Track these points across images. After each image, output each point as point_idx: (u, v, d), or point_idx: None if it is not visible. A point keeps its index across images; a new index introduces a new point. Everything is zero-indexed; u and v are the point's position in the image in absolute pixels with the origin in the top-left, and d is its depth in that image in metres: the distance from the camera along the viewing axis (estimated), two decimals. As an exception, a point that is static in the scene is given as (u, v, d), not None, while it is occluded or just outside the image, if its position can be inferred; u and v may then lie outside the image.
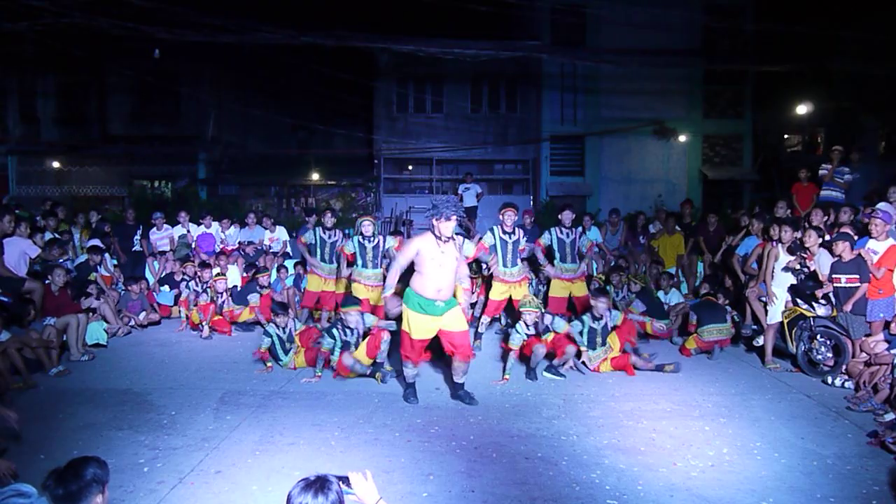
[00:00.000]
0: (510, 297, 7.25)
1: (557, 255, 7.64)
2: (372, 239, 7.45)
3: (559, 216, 7.75)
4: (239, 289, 9.04)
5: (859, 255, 6.18)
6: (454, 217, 5.07)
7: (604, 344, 6.61)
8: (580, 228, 7.99)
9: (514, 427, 4.91)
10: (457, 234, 5.37)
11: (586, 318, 6.61)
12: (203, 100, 17.57)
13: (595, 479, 4.02)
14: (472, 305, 7.76)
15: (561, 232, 7.62)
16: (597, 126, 16.95)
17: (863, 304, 6.15)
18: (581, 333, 6.47)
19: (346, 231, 9.13)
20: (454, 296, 5.37)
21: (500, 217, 7.14)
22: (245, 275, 9.57)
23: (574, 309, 7.81)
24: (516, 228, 7.21)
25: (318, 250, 8.00)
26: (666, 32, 14.39)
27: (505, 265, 7.14)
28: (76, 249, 9.76)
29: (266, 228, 10.61)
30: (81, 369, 6.68)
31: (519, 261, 7.27)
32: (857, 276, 6.12)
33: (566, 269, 7.59)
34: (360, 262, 7.42)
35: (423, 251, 5.17)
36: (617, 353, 6.57)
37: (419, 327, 5.29)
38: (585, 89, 16.98)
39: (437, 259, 5.13)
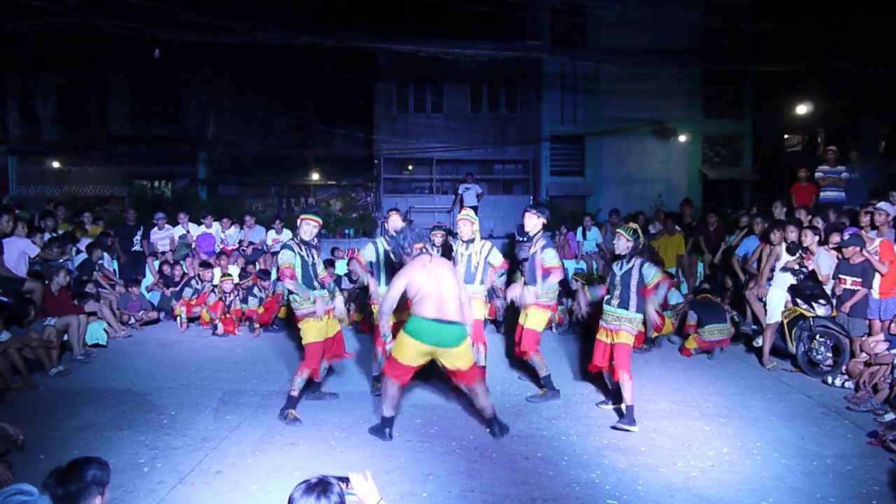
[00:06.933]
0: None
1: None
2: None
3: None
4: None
5: (866, 259, 6.14)
6: (418, 244, 4.65)
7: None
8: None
9: (514, 427, 4.91)
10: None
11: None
12: (203, 100, 17.53)
13: (595, 479, 4.02)
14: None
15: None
16: (597, 126, 16.94)
17: (862, 306, 6.15)
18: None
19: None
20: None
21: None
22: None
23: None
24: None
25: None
26: (666, 32, 14.37)
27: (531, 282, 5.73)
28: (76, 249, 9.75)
29: (272, 228, 10.69)
30: (81, 369, 6.69)
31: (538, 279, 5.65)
32: (861, 280, 6.10)
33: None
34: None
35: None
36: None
37: (411, 354, 4.55)
38: (585, 89, 16.97)
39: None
